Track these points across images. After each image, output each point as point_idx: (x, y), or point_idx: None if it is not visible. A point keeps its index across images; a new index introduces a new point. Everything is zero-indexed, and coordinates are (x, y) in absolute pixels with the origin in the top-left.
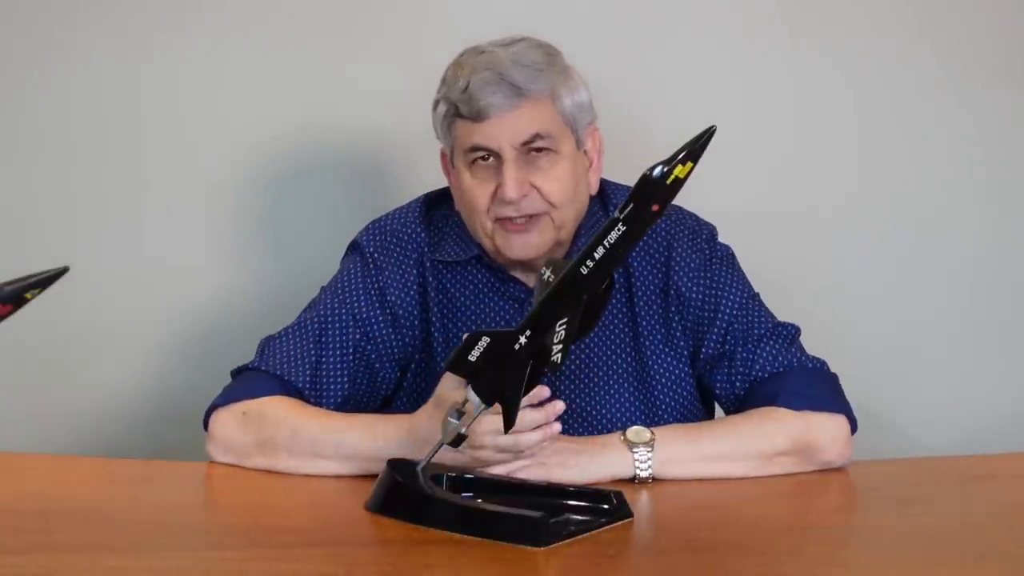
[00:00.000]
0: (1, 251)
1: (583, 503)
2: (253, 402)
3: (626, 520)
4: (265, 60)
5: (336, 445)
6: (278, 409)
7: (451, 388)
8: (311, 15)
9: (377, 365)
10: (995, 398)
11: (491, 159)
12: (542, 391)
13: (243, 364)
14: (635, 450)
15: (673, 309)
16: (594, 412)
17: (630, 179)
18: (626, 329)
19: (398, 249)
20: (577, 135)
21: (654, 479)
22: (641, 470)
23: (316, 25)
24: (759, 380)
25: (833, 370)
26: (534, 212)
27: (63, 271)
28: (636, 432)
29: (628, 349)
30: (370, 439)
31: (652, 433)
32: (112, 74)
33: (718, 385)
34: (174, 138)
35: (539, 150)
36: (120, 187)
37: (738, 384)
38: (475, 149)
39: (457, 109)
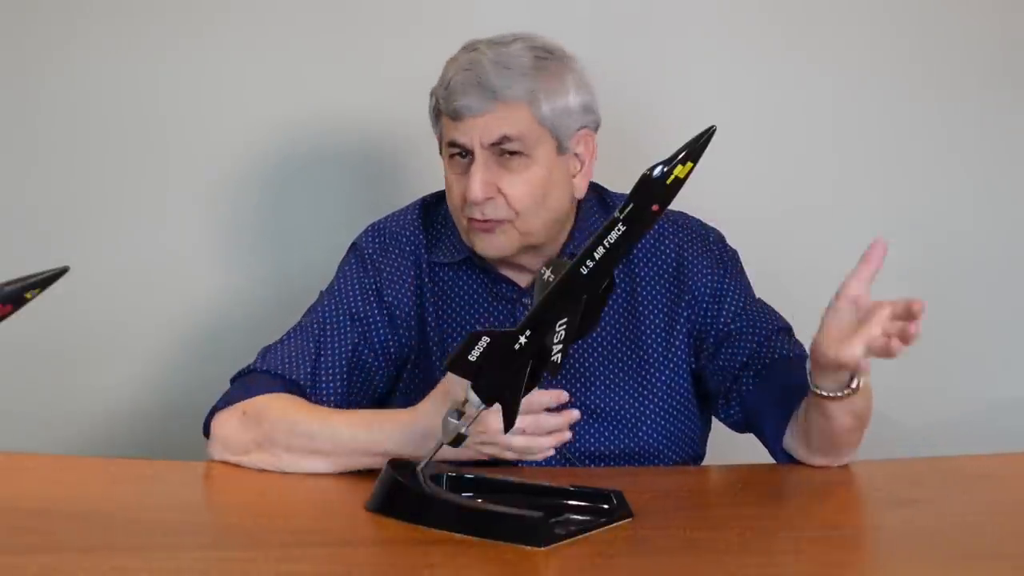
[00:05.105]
0: (1, 251)
1: (583, 503)
2: (252, 400)
3: (626, 520)
4: (265, 60)
5: (334, 439)
6: (276, 406)
7: (455, 382)
8: (312, 15)
9: (374, 364)
10: (995, 397)
11: (467, 156)
12: (562, 395)
13: (242, 369)
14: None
15: (683, 314)
16: (589, 411)
17: (630, 179)
18: (626, 331)
19: (396, 250)
20: (560, 140)
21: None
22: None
23: (317, 25)
24: (778, 359)
25: None
26: (496, 218)
27: (63, 271)
28: None
29: (627, 350)
30: (367, 432)
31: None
32: (111, 75)
33: (718, 369)
34: (175, 138)
35: (511, 153)
36: (120, 187)
37: (739, 365)
38: (452, 144)
39: (440, 105)
